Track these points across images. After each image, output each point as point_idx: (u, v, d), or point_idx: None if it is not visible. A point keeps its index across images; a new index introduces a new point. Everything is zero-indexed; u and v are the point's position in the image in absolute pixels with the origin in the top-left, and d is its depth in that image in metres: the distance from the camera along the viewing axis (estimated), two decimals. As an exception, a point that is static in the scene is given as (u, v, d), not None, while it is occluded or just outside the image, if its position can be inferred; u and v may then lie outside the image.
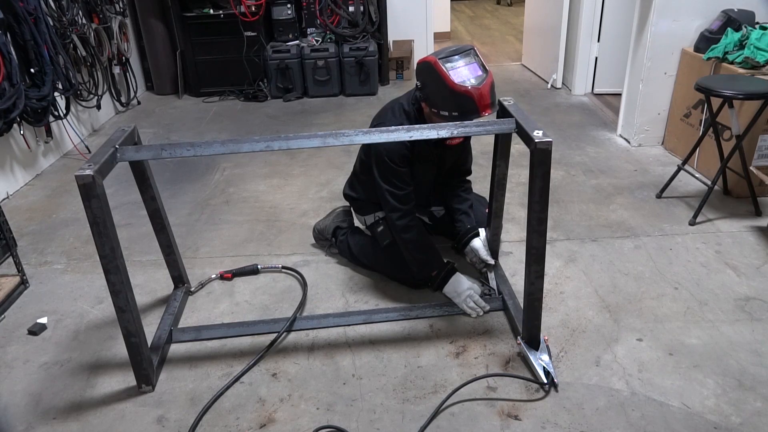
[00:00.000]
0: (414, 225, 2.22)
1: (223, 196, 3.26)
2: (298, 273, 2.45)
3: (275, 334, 2.09)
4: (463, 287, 2.21)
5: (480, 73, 1.96)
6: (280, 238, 2.79)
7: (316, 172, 3.52)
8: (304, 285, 2.38)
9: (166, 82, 5.29)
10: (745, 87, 2.57)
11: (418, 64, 2.07)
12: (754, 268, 2.40)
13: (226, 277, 2.45)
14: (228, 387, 1.88)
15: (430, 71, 1.97)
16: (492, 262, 2.36)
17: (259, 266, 2.49)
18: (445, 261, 2.28)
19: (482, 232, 2.42)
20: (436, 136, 1.79)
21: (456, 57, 1.96)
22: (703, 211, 2.78)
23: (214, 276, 2.46)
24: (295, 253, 2.66)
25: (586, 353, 1.98)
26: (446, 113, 1.98)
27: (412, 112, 2.16)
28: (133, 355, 1.84)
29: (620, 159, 3.50)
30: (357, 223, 2.59)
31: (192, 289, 2.39)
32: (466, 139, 2.37)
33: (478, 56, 2.00)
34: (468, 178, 2.52)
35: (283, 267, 2.50)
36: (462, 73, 1.94)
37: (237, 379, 1.92)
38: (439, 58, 1.96)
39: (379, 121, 2.23)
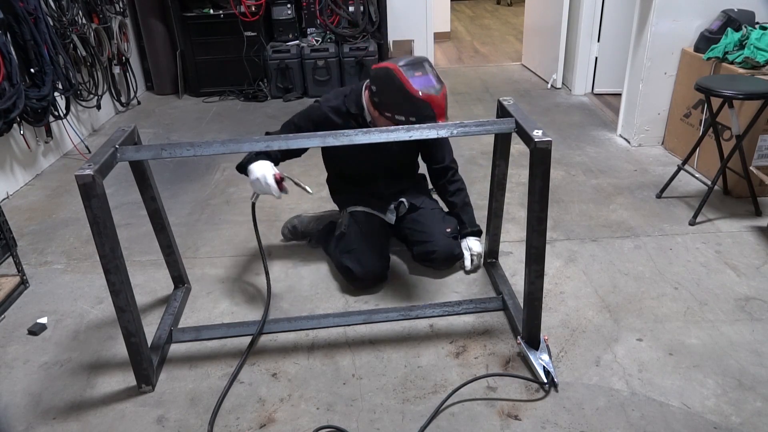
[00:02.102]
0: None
1: (223, 196, 3.26)
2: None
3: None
4: (255, 174, 2.15)
5: (436, 83, 2.04)
6: (280, 237, 2.78)
7: (316, 172, 3.51)
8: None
9: (166, 82, 5.29)
10: (745, 87, 2.57)
11: (373, 68, 2.13)
12: (754, 268, 2.40)
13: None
14: (229, 388, 1.88)
15: (389, 78, 2.04)
16: (468, 266, 2.44)
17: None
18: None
19: (478, 242, 2.47)
20: (435, 136, 1.80)
21: (415, 66, 2.04)
22: (703, 211, 2.78)
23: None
24: (294, 252, 2.66)
25: (586, 353, 1.98)
26: (402, 118, 2.05)
27: (355, 110, 2.24)
28: (133, 355, 1.84)
29: (620, 159, 3.50)
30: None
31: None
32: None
33: (432, 68, 2.08)
34: (449, 165, 2.49)
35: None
36: (421, 81, 2.02)
37: (235, 377, 1.92)
38: (400, 66, 2.02)
39: (326, 97, 2.32)
